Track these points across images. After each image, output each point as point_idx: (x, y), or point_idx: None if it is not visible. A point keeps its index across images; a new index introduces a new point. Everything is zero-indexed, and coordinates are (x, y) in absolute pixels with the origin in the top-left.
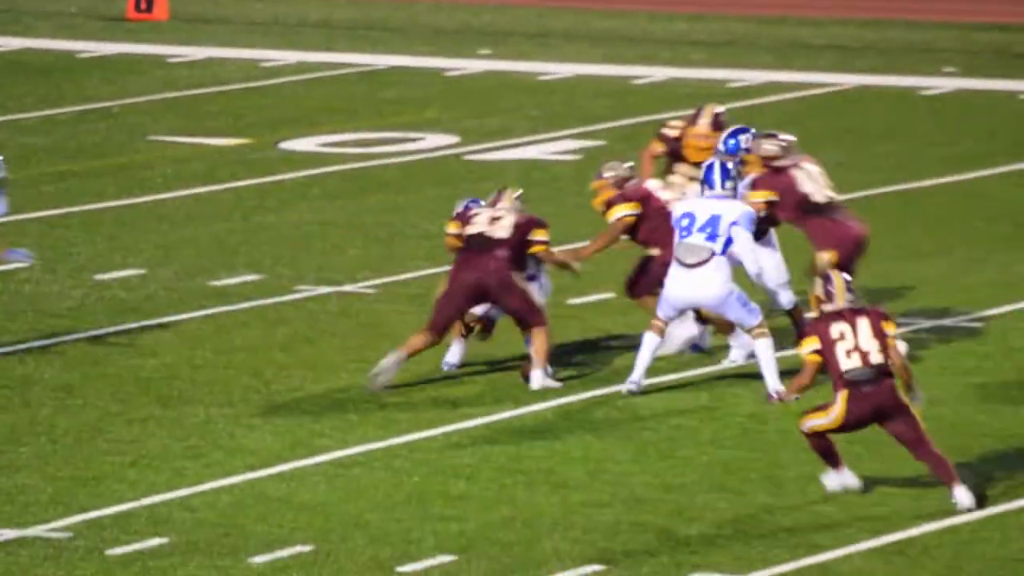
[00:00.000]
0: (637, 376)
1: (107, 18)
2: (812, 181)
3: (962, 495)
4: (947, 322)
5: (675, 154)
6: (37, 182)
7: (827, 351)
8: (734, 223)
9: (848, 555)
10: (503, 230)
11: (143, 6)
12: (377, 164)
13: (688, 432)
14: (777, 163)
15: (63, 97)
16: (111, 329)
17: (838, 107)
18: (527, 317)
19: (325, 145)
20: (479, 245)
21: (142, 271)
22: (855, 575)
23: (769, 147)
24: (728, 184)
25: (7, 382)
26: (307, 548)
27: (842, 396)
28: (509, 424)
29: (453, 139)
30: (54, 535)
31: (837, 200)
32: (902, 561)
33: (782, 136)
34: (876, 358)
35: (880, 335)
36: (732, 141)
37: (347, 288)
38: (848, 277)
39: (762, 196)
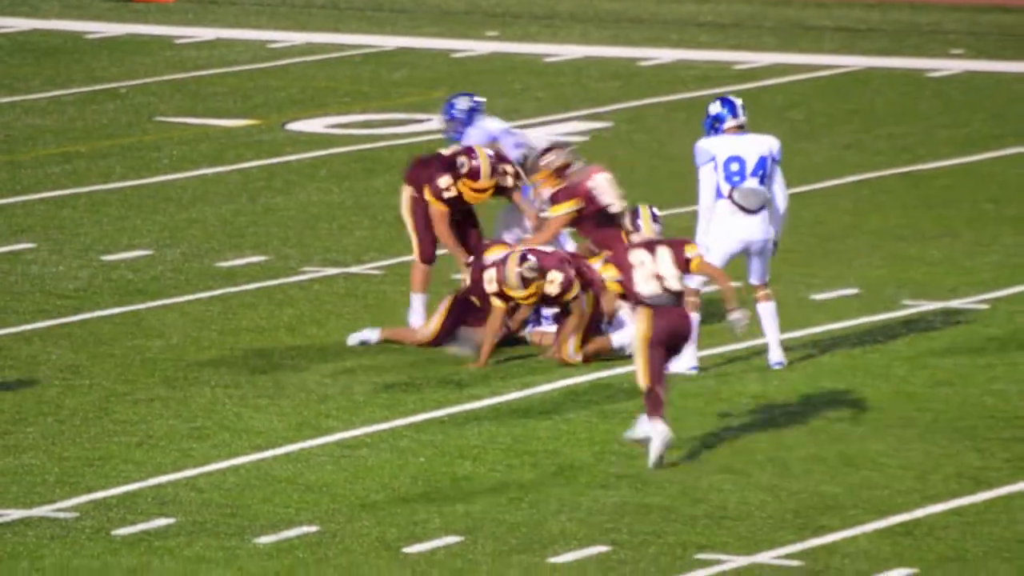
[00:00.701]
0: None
1: None
2: (609, 190)
3: (655, 437)
4: (954, 304)
5: None
6: (44, 163)
7: (625, 277)
8: (775, 159)
9: (854, 536)
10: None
11: None
12: (384, 145)
13: (694, 413)
14: (569, 171)
15: (71, 78)
16: (118, 310)
17: (845, 89)
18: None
19: (332, 126)
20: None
21: (149, 252)
22: (861, 556)
23: (554, 158)
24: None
25: (14, 362)
26: (313, 529)
27: (645, 311)
28: (515, 405)
29: None
30: (60, 515)
31: (627, 209)
32: (908, 542)
33: (558, 146)
34: (673, 284)
35: (682, 264)
36: (454, 108)
37: (354, 269)
38: (657, 211)
39: (567, 207)
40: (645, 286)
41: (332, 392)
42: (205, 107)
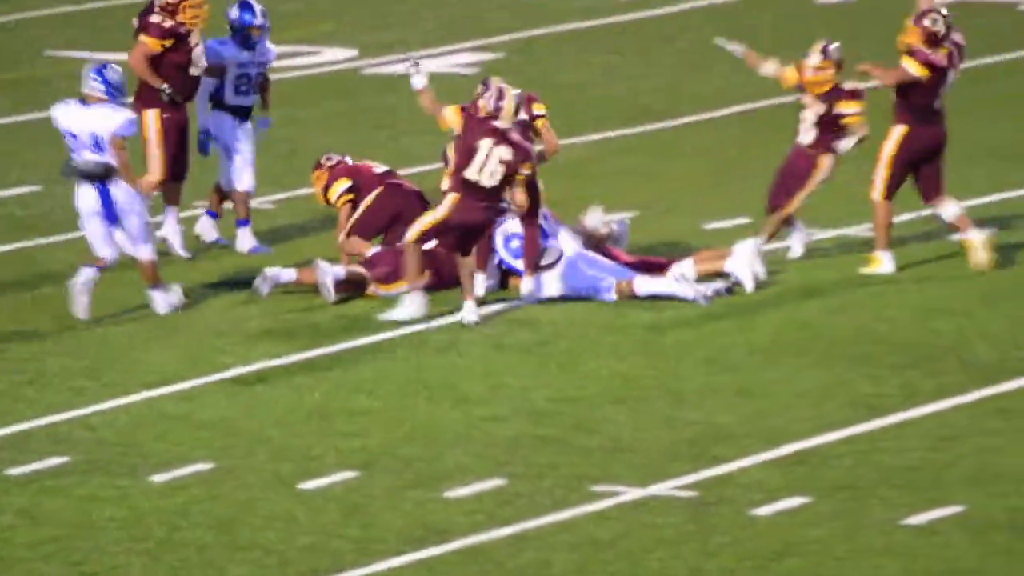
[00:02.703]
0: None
1: None
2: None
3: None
4: (845, 231)
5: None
6: None
7: (465, 153)
8: None
9: (748, 466)
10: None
11: None
12: (274, 79)
13: (588, 345)
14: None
15: None
16: (7, 247)
17: (735, 16)
18: None
19: None
20: None
21: (38, 188)
22: (755, 486)
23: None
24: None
25: None
26: (208, 466)
27: (453, 198)
28: (410, 339)
29: (350, 52)
30: None
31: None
32: (801, 471)
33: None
34: (490, 182)
35: (513, 169)
36: (245, 15)
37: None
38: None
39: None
40: (472, 172)
41: (225, 328)
42: (96, 40)
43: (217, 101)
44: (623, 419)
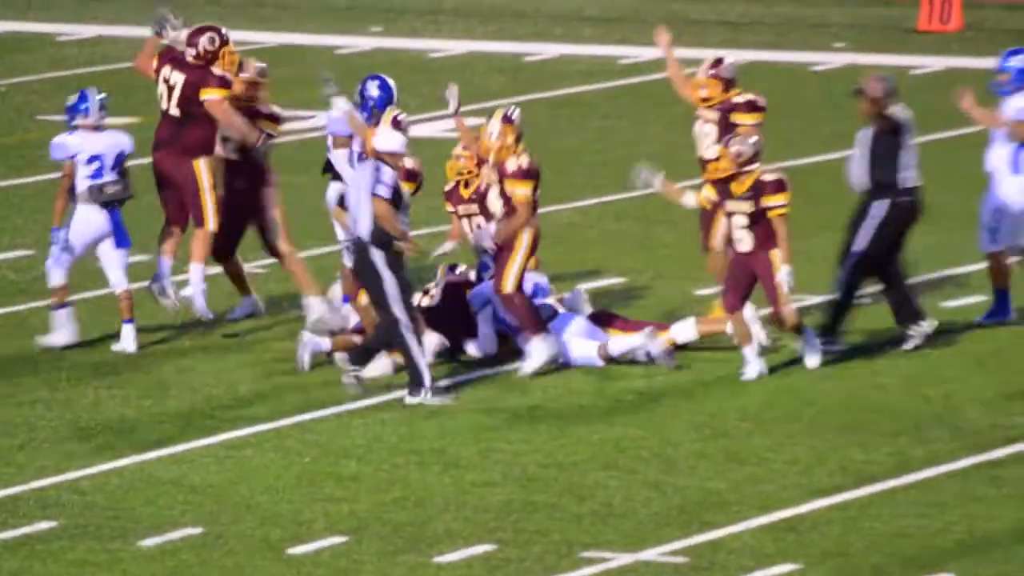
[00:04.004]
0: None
1: None
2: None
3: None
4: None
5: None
6: None
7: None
8: None
9: (739, 532)
10: None
11: None
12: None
13: (579, 410)
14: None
15: None
16: (0, 311)
17: None
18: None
19: None
20: None
21: (31, 252)
22: (745, 552)
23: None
24: None
25: None
26: (197, 530)
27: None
28: (400, 404)
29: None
30: None
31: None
32: (792, 537)
33: None
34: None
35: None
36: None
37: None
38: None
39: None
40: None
41: (216, 391)
42: None
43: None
44: (614, 485)
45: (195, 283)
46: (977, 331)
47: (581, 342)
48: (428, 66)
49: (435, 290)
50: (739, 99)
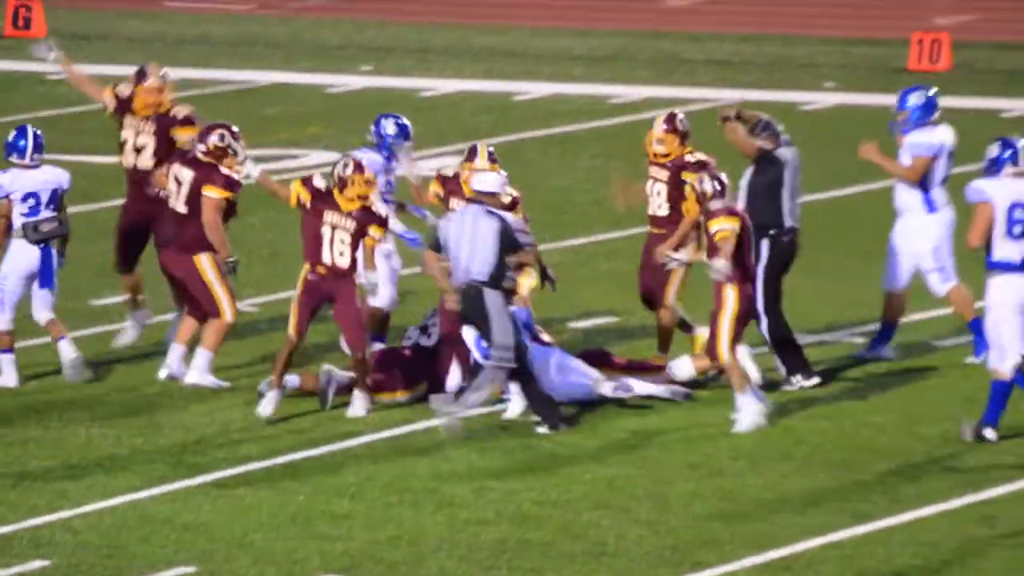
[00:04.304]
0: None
1: None
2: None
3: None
4: (827, 337)
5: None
6: None
7: (313, 238)
8: None
9: (733, 571)
10: None
11: (20, 23)
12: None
13: (572, 449)
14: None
15: None
16: None
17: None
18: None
19: None
20: None
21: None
22: None
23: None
24: None
25: None
26: (191, 569)
27: (306, 267)
28: (394, 442)
29: (335, 156)
30: None
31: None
32: None
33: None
34: (341, 262)
35: (353, 246)
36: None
37: None
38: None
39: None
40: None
41: (209, 430)
42: (79, 143)
43: None
44: (607, 523)
45: (201, 369)
46: (969, 370)
47: (577, 368)
48: (419, 105)
49: (432, 328)
50: (690, 158)
